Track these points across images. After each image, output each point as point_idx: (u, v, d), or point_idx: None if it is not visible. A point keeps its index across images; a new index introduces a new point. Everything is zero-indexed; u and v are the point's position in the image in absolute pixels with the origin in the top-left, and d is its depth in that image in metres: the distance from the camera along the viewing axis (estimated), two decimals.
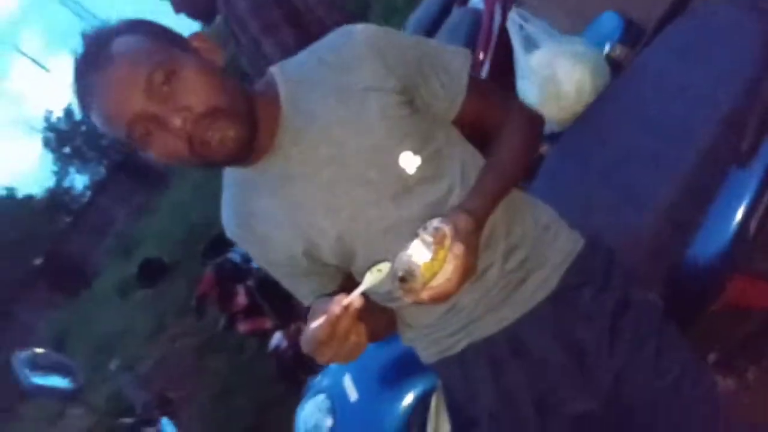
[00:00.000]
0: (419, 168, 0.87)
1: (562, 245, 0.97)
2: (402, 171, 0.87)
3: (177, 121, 0.76)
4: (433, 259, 0.75)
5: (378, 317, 0.96)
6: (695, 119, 1.07)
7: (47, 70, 33.19)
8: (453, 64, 0.90)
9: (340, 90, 0.86)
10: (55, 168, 28.43)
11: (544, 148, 1.43)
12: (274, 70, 0.90)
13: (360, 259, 0.91)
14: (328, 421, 1.25)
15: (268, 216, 0.91)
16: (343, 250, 0.91)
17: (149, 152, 0.80)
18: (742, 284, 1.12)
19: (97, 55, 0.79)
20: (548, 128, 1.37)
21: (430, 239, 0.76)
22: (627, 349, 0.93)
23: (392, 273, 0.76)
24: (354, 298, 0.72)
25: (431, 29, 2.62)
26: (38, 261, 16.24)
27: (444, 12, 2.61)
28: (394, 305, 0.98)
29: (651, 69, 1.21)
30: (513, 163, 0.93)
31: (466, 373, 0.99)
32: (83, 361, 5.34)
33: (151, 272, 2.29)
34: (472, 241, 0.78)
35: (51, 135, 26.37)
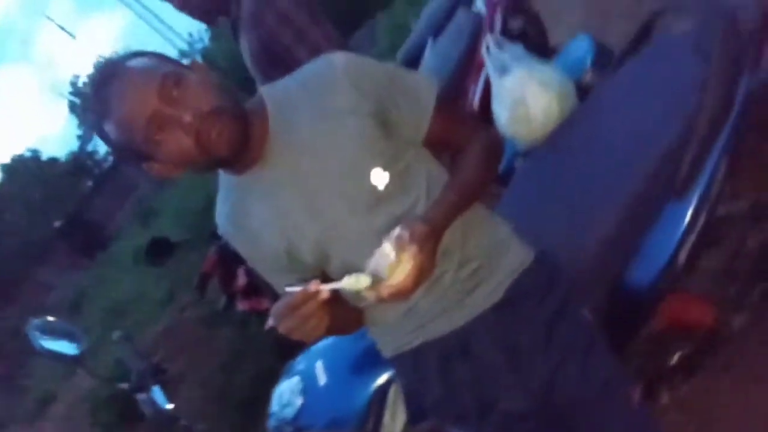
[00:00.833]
0: (388, 183, 0.98)
1: (513, 259, 1.08)
2: (373, 186, 0.97)
3: (188, 117, 0.88)
4: (396, 262, 0.85)
5: (345, 314, 1.07)
6: (639, 151, 1.17)
7: (74, 37, 33.40)
8: (421, 93, 1.00)
9: (321, 111, 0.96)
10: (79, 132, 28.78)
11: (516, 161, 1.54)
12: (263, 89, 1.02)
13: (335, 261, 1.02)
14: (299, 401, 1.36)
15: (259, 217, 1.02)
16: (320, 252, 1.02)
17: (160, 153, 0.91)
18: (680, 304, 1.22)
19: (113, 71, 0.91)
20: (519, 147, 1.48)
21: (390, 246, 0.86)
22: (559, 355, 1.04)
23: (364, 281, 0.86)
24: (324, 288, 0.84)
25: (440, 26, 2.70)
26: (58, 223, 16.61)
27: (453, 10, 2.68)
28: (360, 304, 1.11)
29: (607, 99, 1.31)
30: (472, 181, 1.03)
31: (418, 368, 1.11)
32: (97, 324, 5.55)
33: (159, 251, 2.39)
34: (428, 245, 0.89)
35: (77, 100, 26.60)
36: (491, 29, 2.07)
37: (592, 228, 1.17)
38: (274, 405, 1.44)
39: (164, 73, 0.89)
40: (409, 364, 1.14)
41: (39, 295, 10.59)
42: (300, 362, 1.48)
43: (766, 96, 1.20)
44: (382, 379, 1.33)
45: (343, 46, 1.74)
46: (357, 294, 0.95)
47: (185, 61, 1.00)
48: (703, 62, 1.14)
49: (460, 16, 2.53)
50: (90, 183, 23.97)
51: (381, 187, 0.98)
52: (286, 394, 1.40)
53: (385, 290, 0.85)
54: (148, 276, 5.56)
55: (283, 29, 1.71)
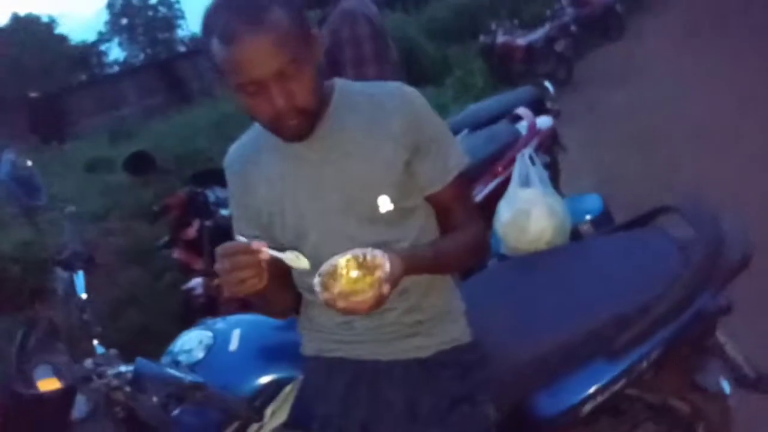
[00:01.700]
0: (388, 212, 1.08)
1: (453, 331, 1.18)
2: (376, 206, 1.07)
3: (281, 102, 0.96)
4: (357, 278, 0.92)
5: (279, 291, 1.13)
6: (598, 304, 1.27)
7: None
8: (450, 160, 1.10)
9: (372, 124, 1.06)
10: (103, 29, 28.30)
11: (492, 261, 1.66)
12: (339, 82, 1.11)
13: (308, 245, 1.09)
14: (200, 354, 1.37)
15: (268, 171, 1.10)
16: (300, 229, 1.09)
17: (241, 95, 0.97)
18: None
19: (254, 15, 0.93)
20: (501, 248, 1.60)
21: (363, 261, 0.93)
22: (448, 430, 1.11)
23: (320, 268, 0.93)
24: (266, 251, 0.91)
25: (479, 124, 2.90)
26: (34, 94, 16.10)
27: (497, 118, 2.90)
28: (309, 297, 1.17)
29: (591, 251, 1.44)
30: (452, 255, 1.12)
31: (328, 376, 1.17)
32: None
33: (140, 163, 2.40)
34: (396, 283, 0.96)
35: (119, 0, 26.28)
36: (526, 146, 2.28)
37: (528, 344, 1.25)
38: (176, 345, 1.43)
39: (291, 56, 0.94)
40: (322, 369, 1.19)
41: None
42: (219, 323, 1.49)
43: (711, 320, 1.35)
44: (285, 374, 1.35)
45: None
46: (310, 287, 1.00)
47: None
48: (683, 261, 1.28)
49: (501, 126, 2.75)
50: (83, 77, 23.50)
51: (382, 210, 1.08)
52: (193, 342, 1.41)
53: (341, 302, 0.91)
54: (89, 186, 5.43)
55: (347, 48, 1.86)
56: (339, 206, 1.08)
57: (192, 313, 2.50)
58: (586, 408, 1.23)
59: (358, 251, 0.94)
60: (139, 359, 1.23)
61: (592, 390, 1.23)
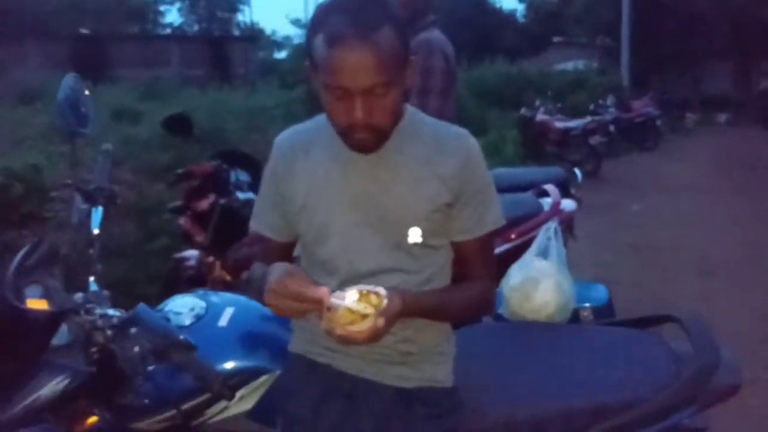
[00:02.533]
0: (415, 244, 1.10)
1: (439, 372, 1.19)
2: (405, 234, 1.09)
3: (359, 115, 0.98)
4: (356, 311, 0.94)
5: None
6: (581, 388, 1.28)
7: None
8: (488, 217, 1.14)
9: (428, 158, 1.10)
10: None
11: (488, 318, 1.68)
12: (411, 109, 1.15)
13: (327, 248, 1.11)
14: (188, 321, 1.37)
15: (314, 166, 1.12)
16: (324, 231, 1.11)
17: (328, 98, 1.00)
18: None
19: (366, 28, 0.95)
20: (502, 310, 1.62)
21: (366, 295, 0.95)
22: None
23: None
24: (333, 301, 0.94)
25: (503, 189, 2.96)
26: (85, 31, 16.38)
27: (522, 188, 2.96)
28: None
29: (588, 338, 1.46)
30: (455, 306, 1.14)
31: (308, 378, 1.18)
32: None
33: (179, 124, 2.43)
34: (392, 320, 0.98)
35: None
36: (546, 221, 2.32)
37: (504, 407, 1.25)
38: (167, 305, 1.44)
39: (384, 78, 0.97)
40: (303, 368, 1.20)
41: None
42: (215, 296, 1.50)
43: None
44: (263, 365, 1.35)
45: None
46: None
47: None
48: (674, 372, 1.30)
49: (527, 196, 2.81)
50: (135, 29, 23.86)
51: (410, 241, 1.10)
52: (185, 307, 1.41)
53: (340, 331, 0.94)
54: (110, 132, 5.46)
55: (418, 76, 1.90)
56: (371, 223, 1.10)
57: (177, 282, 2.50)
58: None
59: (363, 287, 0.97)
60: (141, 304, 1.24)
61: None
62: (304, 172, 1.13)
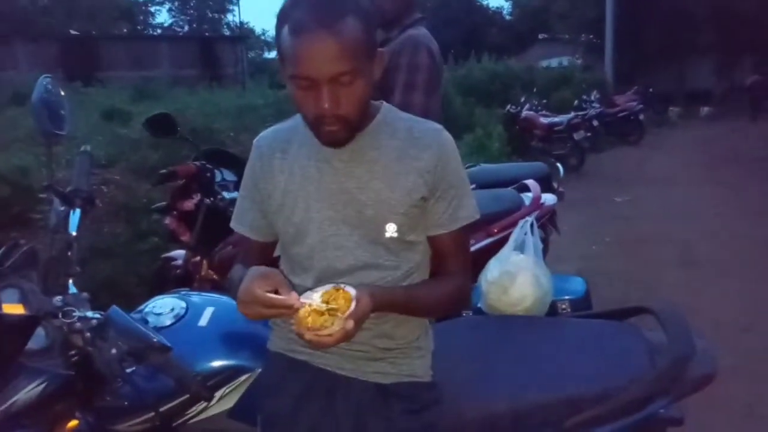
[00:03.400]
0: (391, 239, 1.11)
1: (417, 366, 1.20)
2: (382, 231, 1.10)
3: (326, 106, 0.98)
4: (324, 314, 0.94)
5: None
6: (557, 381, 1.30)
7: None
8: (462, 211, 1.14)
9: (403, 153, 1.10)
10: None
11: (467, 312, 1.69)
12: (385, 105, 1.16)
13: (305, 245, 1.12)
14: (168, 321, 1.37)
15: (291, 164, 1.13)
16: (302, 228, 1.12)
17: (295, 90, 1.00)
18: None
19: (328, 16, 0.95)
20: (481, 304, 1.64)
21: (334, 296, 0.96)
22: None
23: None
24: (304, 302, 0.95)
25: (486, 184, 2.99)
26: (74, 32, 16.21)
27: (505, 184, 2.99)
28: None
29: (565, 331, 1.48)
30: (428, 304, 1.15)
31: (287, 375, 1.18)
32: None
33: (162, 124, 2.42)
34: (362, 321, 0.98)
35: None
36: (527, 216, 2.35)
37: (481, 401, 1.27)
38: (147, 306, 1.44)
39: (351, 66, 0.97)
40: (284, 366, 1.21)
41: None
42: (195, 296, 1.50)
43: (660, 428, 1.37)
44: (244, 364, 1.36)
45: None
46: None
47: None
48: (649, 363, 1.32)
49: (508, 191, 2.83)
50: (125, 30, 23.70)
51: (386, 235, 1.11)
52: (165, 308, 1.41)
53: (309, 334, 0.94)
54: (100, 133, 5.43)
55: (403, 72, 1.89)
56: (348, 220, 1.11)
57: (164, 282, 2.50)
58: None
59: (330, 286, 0.98)
60: (114, 307, 1.23)
61: None
62: (282, 171, 1.14)
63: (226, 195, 2.38)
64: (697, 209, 6.04)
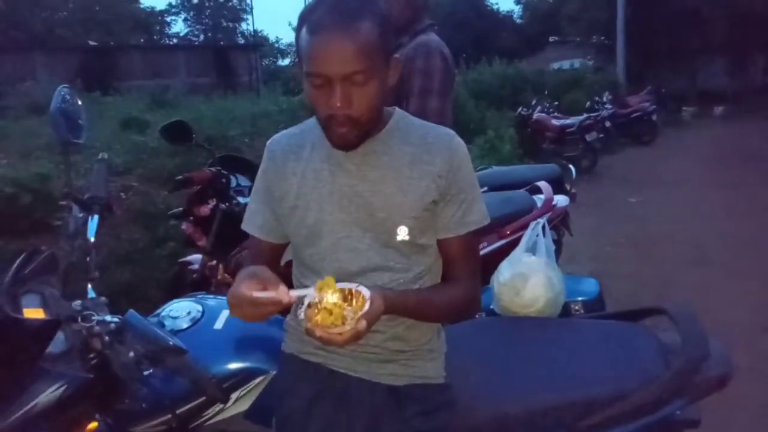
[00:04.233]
0: (403, 242, 1.12)
1: (429, 369, 1.20)
2: (394, 234, 1.11)
3: (338, 105, 1.00)
4: (337, 312, 0.94)
5: None
6: (570, 382, 1.30)
7: None
8: (471, 216, 1.15)
9: (416, 158, 1.12)
10: (173, 2, 29.05)
11: (481, 314, 1.70)
12: (398, 112, 1.17)
13: (318, 248, 1.13)
14: (185, 324, 1.40)
15: (304, 168, 1.14)
16: (315, 231, 1.13)
17: (310, 88, 1.03)
18: None
19: (345, 17, 0.98)
20: (490, 303, 1.64)
21: (348, 296, 0.96)
22: None
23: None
24: (292, 294, 0.95)
25: (498, 187, 2.99)
26: (93, 43, 16.49)
27: (516, 186, 2.98)
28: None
29: (578, 332, 1.47)
30: (439, 308, 1.15)
31: (301, 377, 1.20)
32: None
33: (177, 132, 2.45)
34: (373, 322, 0.99)
35: None
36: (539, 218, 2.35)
37: (494, 402, 1.27)
38: (164, 310, 1.46)
39: (364, 66, 0.99)
40: (297, 368, 1.22)
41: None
42: (211, 300, 1.52)
43: (676, 430, 1.36)
44: (259, 366, 1.38)
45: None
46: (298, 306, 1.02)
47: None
48: (663, 364, 1.31)
49: (520, 193, 2.83)
50: (142, 40, 24.07)
51: (398, 238, 1.12)
52: (181, 311, 1.43)
53: (319, 330, 0.94)
54: (118, 141, 5.52)
55: (418, 77, 1.91)
56: (360, 223, 1.12)
57: (182, 286, 2.53)
58: None
59: (345, 285, 0.98)
60: (131, 311, 1.26)
61: None
62: (295, 174, 1.15)
63: (241, 200, 2.41)
64: (711, 210, 5.98)
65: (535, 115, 9.29)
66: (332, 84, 1.00)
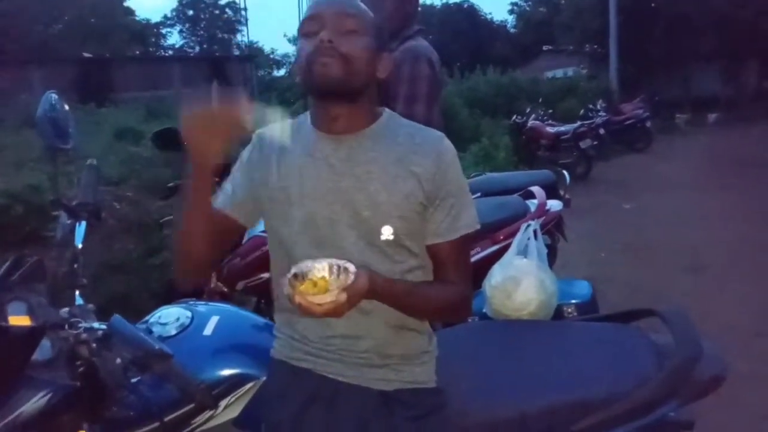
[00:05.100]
0: (387, 242, 1.11)
1: (419, 373, 1.19)
2: (378, 233, 1.10)
3: (327, 36, 1.04)
4: (319, 282, 0.95)
5: (206, 239, 1.14)
6: (564, 384, 1.28)
7: None
8: (461, 221, 1.14)
9: (402, 157, 1.11)
10: (169, 15, 29.26)
11: (473, 318, 1.69)
12: (387, 111, 1.18)
13: (299, 249, 1.12)
14: (173, 330, 1.38)
15: (289, 161, 1.14)
16: (295, 228, 1.12)
17: (301, 42, 1.08)
18: None
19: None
20: (482, 306, 1.63)
21: (336, 269, 0.97)
22: None
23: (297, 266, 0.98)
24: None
25: (492, 193, 2.99)
26: (88, 55, 16.52)
27: (511, 192, 2.99)
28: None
29: (571, 334, 1.47)
30: (427, 303, 1.14)
31: (290, 383, 1.18)
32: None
33: (167, 139, 2.45)
34: (355, 299, 0.98)
35: None
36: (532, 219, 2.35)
37: (485, 405, 1.26)
38: (153, 317, 1.44)
39: (357, 23, 1.07)
40: (287, 374, 1.21)
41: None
42: (201, 306, 1.51)
43: (670, 428, 1.35)
44: (249, 372, 1.36)
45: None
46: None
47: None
48: (657, 365, 1.30)
49: (513, 198, 2.83)
50: (137, 52, 24.18)
51: (382, 237, 1.11)
52: (170, 317, 1.42)
53: (299, 297, 0.94)
54: (113, 152, 5.52)
55: (404, 84, 1.91)
56: (344, 219, 1.11)
57: (175, 294, 2.50)
58: None
59: (335, 261, 0.98)
60: (116, 315, 1.24)
61: None
62: (279, 167, 1.14)
63: None
64: (706, 215, 6.00)
65: (530, 123, 9.33)
66: (323, 23, 1.05)
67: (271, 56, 31.83)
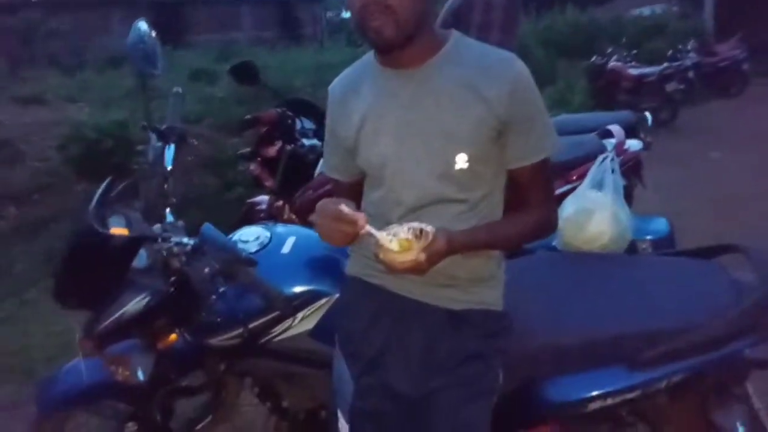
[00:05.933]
0: (461, 170, 1.11)
1: (487, 296, 1.22)
2: (452, 163, 1.10)
3: None
4: (403, 242, 1.03)
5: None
6: (633, 314, 1.28)
7: None
8: (542, 142, 1.13)
9: (472, 81, 1.09)
10: None
11: (541, 250, 1.68)
12: (456, 34, 1.15)
13: (376, 185, 1.16)
14: (254, 248, 1.47)
15: (362, 103, 1.16)
16: (373, 165, 1.16)
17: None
18: None
19: None
20: (555, 241, 1.62)
21: (418, 232, 1.03)
22: (455, 383, 1.16)
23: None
24: (366, 230, 1.02)
25: (569, 132, 2.88)
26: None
27: (588, 131, 2.87)
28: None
29: (644, 267, 1.44)
30: (507, 238, 1.17)
31: (362, 297, 1.24)
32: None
33: (245, 73, 2.52)
34: (435, 259, 1.04)
35: None
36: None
37: (552, 331, 1.28)
38: (235, 234, 1.55)
39: None
40: (358, 289, 1.26)
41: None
42: (279, 227, 1.59)
43: (744, 367, 1.32)
44: (324, 288, 1.44)
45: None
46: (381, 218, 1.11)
47: None
48: (734, 300, 1.26)
49: (590, 137, 2.73)
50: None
51: (456, 167, 1.10)
52: (251, 236, 1.51)
53: (382, 254, 1.03)
54: (189, 92, 5.71)
55: (478, 12, 1.86)
56: (416, 153, 1.12)
57: (250, 225, 2.64)
58: (592, 406, 1.24)
59: (417, 225, 1.04)
60: (207, 224, 1.34)
61: (603, 391, 1.24)
62: (355, 111, 1.17)
63: (306, 142, 2.46)
64: None
65: (611, 64, 8.77)
66: None
67: None
